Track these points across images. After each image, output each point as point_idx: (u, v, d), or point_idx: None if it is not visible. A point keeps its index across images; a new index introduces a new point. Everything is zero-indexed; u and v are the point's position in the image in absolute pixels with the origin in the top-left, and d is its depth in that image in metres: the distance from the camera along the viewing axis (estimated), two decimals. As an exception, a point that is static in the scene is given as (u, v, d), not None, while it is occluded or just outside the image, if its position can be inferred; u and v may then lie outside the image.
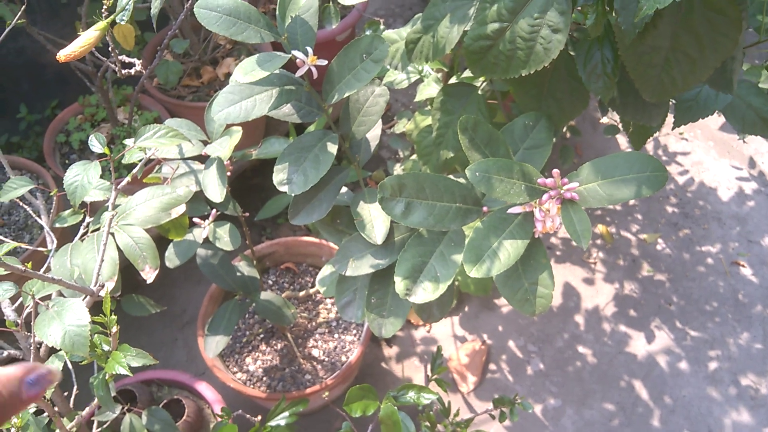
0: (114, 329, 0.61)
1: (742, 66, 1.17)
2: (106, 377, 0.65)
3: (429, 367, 0.96)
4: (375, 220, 0.81)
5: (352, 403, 0.73)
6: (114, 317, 0.61)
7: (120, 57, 1.07)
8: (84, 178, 0.74)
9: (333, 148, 0.79)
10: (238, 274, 1.17)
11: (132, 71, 0.95)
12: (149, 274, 0.82)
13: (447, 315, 1.59)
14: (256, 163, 1.67)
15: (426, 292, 0.70)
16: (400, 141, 1.64)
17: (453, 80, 1.04)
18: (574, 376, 1.49)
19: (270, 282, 1.41)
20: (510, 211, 0.66)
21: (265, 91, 0.75)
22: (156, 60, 1.25)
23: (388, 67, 1.00)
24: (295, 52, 0.74)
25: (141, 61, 1.03)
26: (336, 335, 1.35)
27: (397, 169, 1.53)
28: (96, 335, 0.65)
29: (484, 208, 0.71)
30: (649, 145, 1.89)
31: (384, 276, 0.82)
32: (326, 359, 1.31)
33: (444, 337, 1.57)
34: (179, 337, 1.57)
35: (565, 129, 1.54)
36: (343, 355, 1.32)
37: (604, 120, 1.89)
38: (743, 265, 1.65)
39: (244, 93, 0.75)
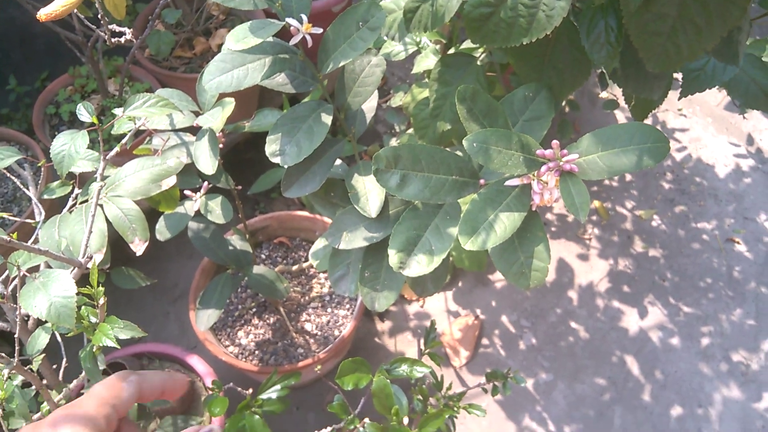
0: (101, 301, 0.60)
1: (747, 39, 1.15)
2: (94, 349, 0.64)
3: (422, 341, 0.95)
4: (369, 193, 0.80)
5: (345, 376, 0.73)
6: (101, 289, 0.60)
7: (110, 26, 1.04)
8: (71, 148, 0.72)
9: (327, 119, 0.77)
10: (231, 248, 1.16)
11: (122, 40, 0.93)
12: (138, 246, 0.81)
13: (441, 290, 1.59)
14: (249, 137, 1.65)
15: (420, 266, 0.69)
16: (396, 115, 1.62)
17: (452, 51, 1.02)
18: (567, 351, 1.50)
19: (263, 256, 1.40)
20: (507, 183, 0.64)
21: (258, 59, 0.73)
22: (147, 30, 1.22)
23: (385, 37, 0.98)
24: (290, 20, 0.72)
25: (131, 30, 1.00)
26: (329, 309, 1.34)
27: (393, 144, 1.51)
28: (83, 307, 0.64)
29: (481, 181, 0.70)
30: (648, 121, 1.87)
31: (378, 249, 0.81)
32: (319, 333, 1.31)
33: (437, 312, 1.56)
34: (171, 311, 1.56)
35: (564, 103, 1.52)
36: (336, 329, 1.31)
37: (604, 94, 1.87)
38: (738, 242, 1.65)
39: (237, 61, 0.73)
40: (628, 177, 1.75)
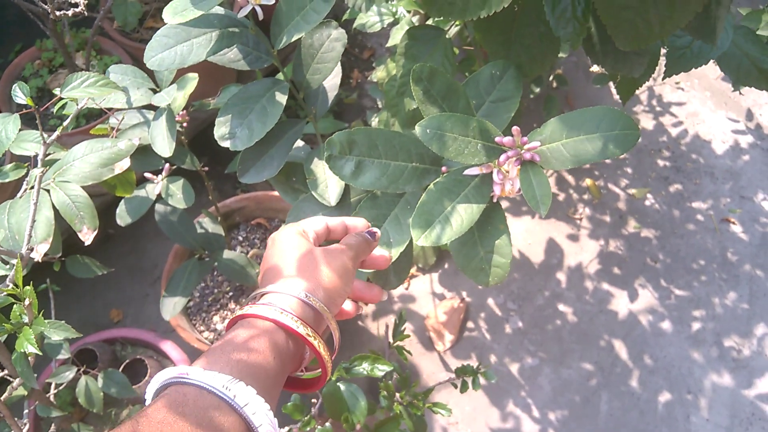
0: (27, 301, 0.56)
1: (742, 11, 1.08)
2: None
3: (390, 333, 0.91)
4: (329, 179, 0.75)
5: (298, 375, 0.68)
6: (28, 288, 0.56)
7: (64, -4, 0.98)
8: (2, 133, 0.67)
9: (282, 99, 0.72)
10: (201, 231, 1.12)
11: (70, 12, 0.87)
12: (87, 235, 0.76)
13: (427, 272, 1.55)
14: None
15: (377, 259, 0.65)
16: (378, 90, 1.56)
17: (419, 24, 0.96)
18: (554, 335, 1.46)
19: (240, 238, 1.35)
20: (466, 172, 0.59)
21: (203, 34, 0.68)
22: (110, 1, 1.16)
23: (351, 6, 0.92)
24: (237, -10, 0.67)
25: (84, 1, 0.94)
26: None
27: (374, 120, 1.46)
28: (15, 306, 0.59)
29: (443, 168, 0.65)
30: (644, 95, 1.80)
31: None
32: (296, 318, 1.27)
33: (422, 294, 1.52)
34: (150, 293, 1.52)
35: (551, 78, 1.46)
36: (314, 313, 1.27)
37: (595, 68, 1.80)
38: (734, 222, 1.59)
39: (181, 36, 0.67)
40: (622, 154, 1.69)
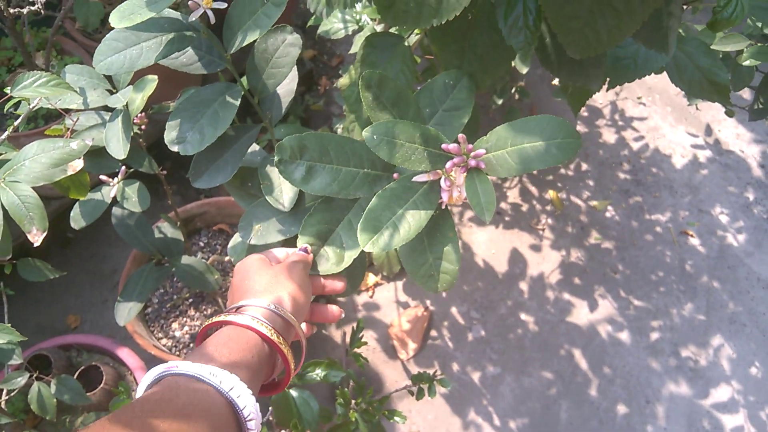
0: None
1: (697, 27, 1.11)
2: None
3: (348, 340, 0.91)
4: (284, 184, 0.75)
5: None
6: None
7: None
8: (-56, 131, 0.66)
9: (235, 103, 0.72)
10: (160, 235, 1.10)
11: (25, 10, 0.86)
12: (36, 236, 0.75)
13: (391, 280, 1.55)
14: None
15: (329, 263, 0.65)
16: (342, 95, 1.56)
17: (379, 31, 0.96)
18: (515, 344, 1.47)
19: (201, 244, 1.34)
20: (415, 179, 0.60)
21: (153, 37, 0.67)
22: (71, 0, 1.14)
23: (313, 12, 0.92)
24: (189, -7, 0.66)
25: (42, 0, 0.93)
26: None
27: (339, 127, 1.46)
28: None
29: (395, 175, 0.65)
30: (606, 109, 1.84)
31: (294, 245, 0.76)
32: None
33: (386, 302, 1.52)
34: (109, 298, 1.50)
35: (513, 90, 1.47)
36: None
37: (556, 81, 1.83)
38: (692, 235, 1.63)
39: (130, 40, 0.67)
40: (584, 166, 1.72)
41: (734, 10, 0.78)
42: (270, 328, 0.50)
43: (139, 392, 0.44)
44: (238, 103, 0.71)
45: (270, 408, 0.78)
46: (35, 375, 1.02)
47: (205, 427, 0.40)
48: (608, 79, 0.79)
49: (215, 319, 0.51)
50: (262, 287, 0.55)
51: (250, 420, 0.44)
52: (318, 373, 0.71)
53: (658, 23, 0.62)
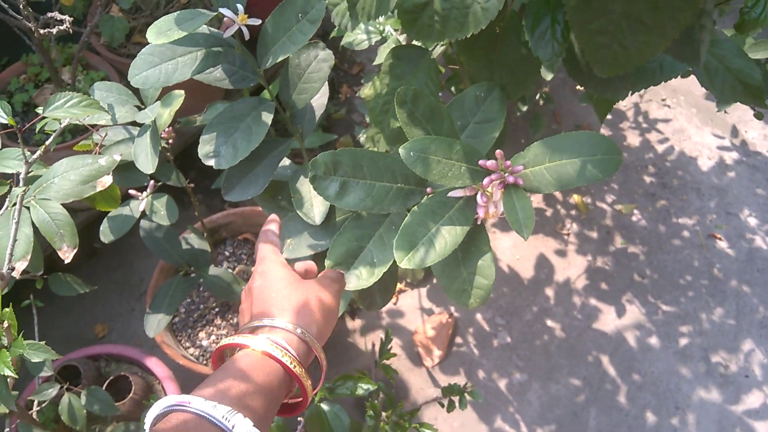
0: (5, 324, 0.55)
1: (727, 32, 1.09)
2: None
3: (377, 352, 0.91)
4: (315, 198, 0.75)
5: (281, 397, 0.68)
6: (7, 310, 0.55)
7: (50, 14, 0.98)
8: (-20, 152, 0.67)
9: (268, 118, 0.72)
10: (187, 247, 1.11)
11: (54, 30, 0.87)
12: (67, 254, 0.75)
13: (415, 287, 1.55)
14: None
15: (360, 280, 0.64)
16: (366, 106, 1.56)
17: (404, 43, 0.96)
18: (542, 351, 1.46)
19: (227, 253, 1.35)
20: (451, 194, 0.59)
21: (189, 53, 0.68)
22: (96, 16, 1.16)
23: (338, 25, 0.92)
24: (223, 10, 0.67)
25: (70, 18, 0.94)
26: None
27: (362, 136, 1.46)
28: (-7, 326, 0.59)
29: (428, 189, 0.65)
30: (630, 112, 1.82)
31: (324, 258, 0.76)
32: (283, 334, 1.26)
33: (411, 309, 1.52)
34: (136, 308, 1.51)
35: (537, 96, 1.46)
36: (301, 330, 1.27)
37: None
38: (720, 238, 1.60)
39: (166, 55, 0.67)
40: (609, 170, 1.70)
41: (763, 10, 0.76)
42: (292, 359, 0.47)
43: (147, 422, 0.42)
44: (270, 118, 0.71)
45: (301, 420, 0.78)
46: (65, 386, 1.03)
47: None
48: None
49: (234, 340, 0.48)
50: (291, 305, 0.51)
51: None
52: (348, 387, 0.71)
53: (690, 37, 0.61)
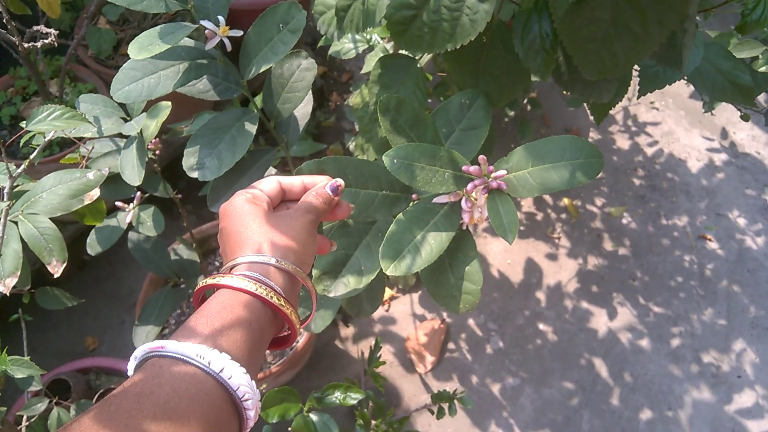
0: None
1: (711, 34, 1.10)
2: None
3: (366, 360, 0.91)
4: (301, 206, 0.74)
5: (269, 408, 0.67)
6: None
7: (36, 27, 0.98)
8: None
9: (252, 129, 0.72)
10: (176, 258, 1.11)
11: (39, 44, 0.86)
12: (56, 268, 0.75)
13: (407, 292, 1.54)
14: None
15: (347, 288, 0.64)
16: (355, 115, 1.56)
17: (391, 52, 0.97)
18: (534, 355, 1.46)
19: (217, 264, 1.34)
20: (435, 200, 0.59)
21: (171, 66, 0.68)
22: (83, 29, 1.16)
23: (324, 34, 0.92)
24: (204, 22, 0.67)
25: (56, 32, 0.94)
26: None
27: (352, 144, 1.46)
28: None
29: (414, 196, 0.65)
30: (619, 115, 1.83)
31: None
32: (275, 343, 1.26)
33: (403, 316, 1.52)
34: (126, 320, 1.50)
35: (525, 101, 1.47)
36: (292, 339, 1.26)
37: (572, 89, 1.82)
38: (710, 239, 1.61)
39: (148, 69, 0.67)
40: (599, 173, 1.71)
41: (763, 12, 0.77)
42: (269, 290, 0.44)
43: (130, 373, 0.41)
44: (255, 128, 0.71)
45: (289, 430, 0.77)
46: (54, 400, 1.03)
47: (193, 420, 0.36)
48: (638, 87, 0.78)
49: (209, 281, 0.45)
50: (263, 238, 0.48)
51: (246, 400, 0.40)
52: (337, 396, 0.71)
53: (673, 41, 0.61)
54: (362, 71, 1.07)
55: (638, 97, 0.84)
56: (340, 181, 0.54)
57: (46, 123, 0.67)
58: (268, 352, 1.25)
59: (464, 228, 0.60)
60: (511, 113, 1.37)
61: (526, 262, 1.58)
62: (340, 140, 1.71)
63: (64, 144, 1.28)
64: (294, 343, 0.52)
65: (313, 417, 0.68)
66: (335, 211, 0.56)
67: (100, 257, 1.56)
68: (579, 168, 0.53)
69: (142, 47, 0.61)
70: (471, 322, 1.50)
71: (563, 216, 1.64)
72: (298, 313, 0.48)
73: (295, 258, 0.48)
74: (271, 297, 0.44)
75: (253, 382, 0.41)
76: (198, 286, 0.47)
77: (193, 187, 1.63)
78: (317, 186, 0.54)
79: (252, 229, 0.49)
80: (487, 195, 0.56)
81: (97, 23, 1.35)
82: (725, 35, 1.04)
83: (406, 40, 0.59)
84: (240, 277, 0.44)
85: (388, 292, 1.54)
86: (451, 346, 1.48)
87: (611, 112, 1.82)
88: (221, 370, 0.39)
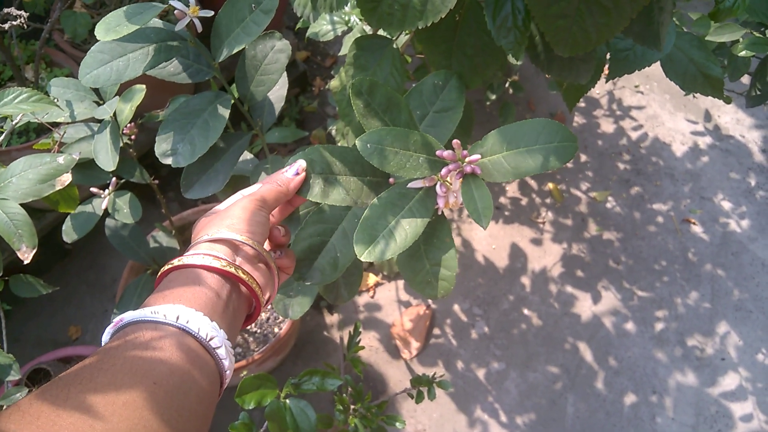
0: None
1: (693, 16, 1.09)
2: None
3: (345, 345, 0.90)
4: (277, 192, 0.73)
5: (245, 394, 0.67)
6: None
7: (8, 9, 0.95)
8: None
9: (225, 112, 0.70)
10: (155, 245, 1.09)
11: (6, 26, 0.84)
12: (26, 254, 0.74)
13: (392, 279, 1.54)
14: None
15: (324, 275, 0.63)
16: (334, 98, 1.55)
17: (368, 33, 0.95)
18: (519, 339, 1.46)
19: (199, 250, 1.33)
20: (410, 185, 0.58)
21: (140, 48, 0.66)
22: (57, 12, 1.13)
23: (300, 16, 0.91)
24: (174, 2, 0.65)
25: (26, 14, 0.91)
26: (269, 306, 1.28)
27: (333, 128, 1.44)
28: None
29: (391, 180, 0.64)
30: (604, 99, 1.82)
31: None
32: (258, 331, 1.25)
33: (388, 302, 1.51)
34: (110, 308, 1.49)
35: (507, 84, 1.46)
36: (276, 326, 1.25)
37: (557, 73, 1.81)
38: (694, 223, 1.61)
39: (116, 52, 0.65)
40: (583, 157, 1.70)
41: (736, 1, 0.76)
42: (214, 257, 0.45)
43: (104, 342, 0.42)
44: (228, 112, 0.69)
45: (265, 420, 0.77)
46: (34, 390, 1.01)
47: (147, 385, 0.35)
48: (607, 71, 0.77)
49: (165, 268, 0.46)
50: (210, 225, 0.50)
51: (211, 339, 0.40)
52: (314, 382, 0.70)
53: (649, 19, 0.60)
54: (340, 53, 1.06)
55: (606, 81, 0.83)
56: (301, 162, 0.57)
57: (12, 106, 0.66)
58: (251, 339, 1.25)
59: (440, 213, 0.59)
60: (493, 96, 1.36)
61: (511, 247, 1.58)
62: (323, 125, 1.69)
63: (41, 131, 1.26)
64: (261, 312, 0.52)
65: (290, 403, 0.67)
66: (295, 199, 0.59)
67: (82, 246, 1.54)
68: (553, 152, 0.52)
69: (110, 28, 0.59)
70: (456, 307, 1.50)
71: (548, 201, 1.64)
72: (278, 296, 0.49)
73: (243, 228, 0.49)
74: (219, 263, 0.45)
75: (214, 322, 0.41)
76: (161, 272, 0.47)
77: (177, 173, 1.61)
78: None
79: (202, 225, 0.51)
80: (461, 180, 0.55)
81: (72, 6, 1.32)
82: (706, 18, 1.03)
83: (377, 18, 0.58)
84: (191, 256, 0.46)
85: (373, 279, 1.54)
86: (436, 331, 1.47)
87: (596, 96, 1.81)
88: (177, 318, 0.39)
